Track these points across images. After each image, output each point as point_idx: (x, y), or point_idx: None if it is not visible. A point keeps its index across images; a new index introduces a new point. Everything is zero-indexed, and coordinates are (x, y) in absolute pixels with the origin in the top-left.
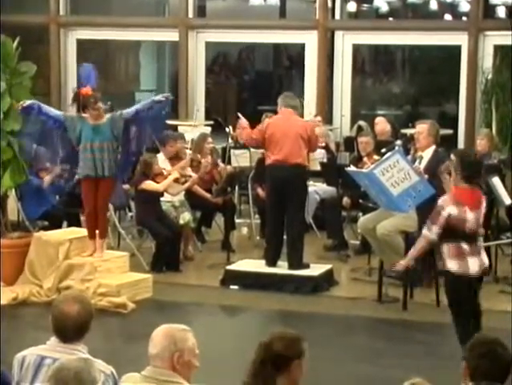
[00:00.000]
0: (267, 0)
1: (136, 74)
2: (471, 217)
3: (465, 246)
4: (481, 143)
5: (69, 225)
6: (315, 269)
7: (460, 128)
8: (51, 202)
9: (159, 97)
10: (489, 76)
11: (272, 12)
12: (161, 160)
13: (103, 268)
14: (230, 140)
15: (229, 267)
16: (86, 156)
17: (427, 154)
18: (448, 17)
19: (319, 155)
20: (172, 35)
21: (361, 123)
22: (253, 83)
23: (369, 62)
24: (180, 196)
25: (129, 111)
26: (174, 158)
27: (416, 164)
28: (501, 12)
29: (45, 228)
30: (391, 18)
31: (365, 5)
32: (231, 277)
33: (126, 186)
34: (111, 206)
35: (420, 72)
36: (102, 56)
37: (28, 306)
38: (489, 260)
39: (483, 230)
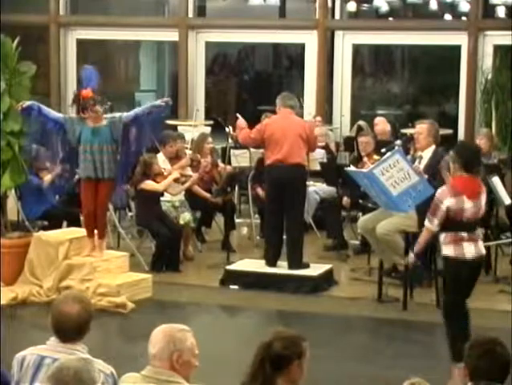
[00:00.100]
0: (267, 0)
1: (136, 74)
2: (469, 206)
3: (463, 234)
4: (480, 143)
5: (69, 225)
6: (315, 269)
7: (460, 128)
8: (51, 202)
9: (158, 102)
10: (489, 76)
11: (272, 12)
12: (161, 160)
13: (103, 268)
14: (230, 140)
15: (229, 267)
16: (86, 157)
17: (427, 154)
18: (448, 17)
19: (319, 155)
20: (171, 35)
21: (361, 123)
22: (253, 83)
23: (369, 62)
24: (180, 196)
25: (128, 114)
26: (174, 158)
27: (416, 163)
28: (500, 12)
29: (45, 228)
30: (391, 18)
31: (365, 5)
32: (231, 277)
33: (126, 186)
34: (111, 206)
35: (420, 72)
36: (102, 56)
37: (28, 306)
38: (489, 260)
39: (482, 230)
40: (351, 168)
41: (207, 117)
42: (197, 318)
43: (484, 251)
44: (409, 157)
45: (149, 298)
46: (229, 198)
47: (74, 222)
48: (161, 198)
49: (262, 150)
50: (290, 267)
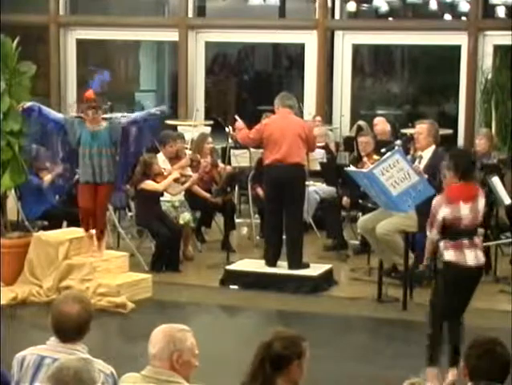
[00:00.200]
0: (267, 0)
1: (136, 74)
2: (466, 213)
3: (463, 241)
4: (480, 143)
5: (69, 225)
6: (315, 269)
7: (459, 128)
8: (51, 202)
9: (154, 110)
10: (489, 76)
11: (272, 12)
12: (161, 160)
13: (103, 268)
14: (230, 140)
15: (228, 267)
16: (84, 161)
17: (427, 154)
18: (447, 17)
19: (319, 155)
20: (171, 35)
21: (361, 123)
22: (252, 83)
23: (369, 62)
24: (180, 196)
25: (126, 119)
26: (174, 158)
27: (416, 163)
28: (500, 12)
29: (45, 228)
30: (390, 18)
31: (365, 5)
32: (231, 277)
33: (126, 186)
34: (110, 206)
35: (420, 72)
36: (102, 56)
37: (28, 306)
38: (489, 260)
39: (482, 230)
40: (351, 168)
41: (207, 117)
42: (197, 318)
43: (483, 260)
44: (409, 157)
45: (149, 298)
46: (228, 198)
47: (74, 222)
48: (161, 198)
49: (261, 150)
50: (290, 267)
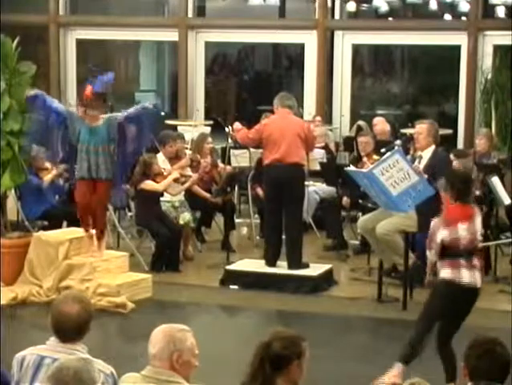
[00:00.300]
0: (267, 0)
1: (136, 74)
2: (464, 234)
3: (461, 261)
4: (480, 143)
5: (69, 225)
6: (315, 269)
7: (459, 128)
8: (51, 202)
9: (148, 104)
10: (489, 76)
11: (271, 12)
12: (161, 160)
13: (103, 268)
14: (230, 140)
15: (228, 267)
16: (81, 158)
17: (426, 154)
18: (447, 17)
19: (319, 155)
20: (171, 35)
21: (361, 123)
22: (252, 83)
23: (369, 62)
24: (179, 196)
25: (121, 114)
26: (174, 158)
27: (416, 163)
28: (500, 12)
29: (45, 228)
30: (390, 18)
31: (365, 5)
32: (231, 277)
33: (126, 186)
34: (110, 206)
35: (420, 72)
36: (101, 56)
37: (28, 306)
38: (489, 260)
39: (482, 230)
40: (351, 168)
41: (207, 117)
42: (197, 318)
43: (480, 284)
44: (409, 157)
45: (149, 298)
46: (228, 198)
47: (74, 222)
48: (161, 198)
49: (261, 150)
50: (290, 267)
